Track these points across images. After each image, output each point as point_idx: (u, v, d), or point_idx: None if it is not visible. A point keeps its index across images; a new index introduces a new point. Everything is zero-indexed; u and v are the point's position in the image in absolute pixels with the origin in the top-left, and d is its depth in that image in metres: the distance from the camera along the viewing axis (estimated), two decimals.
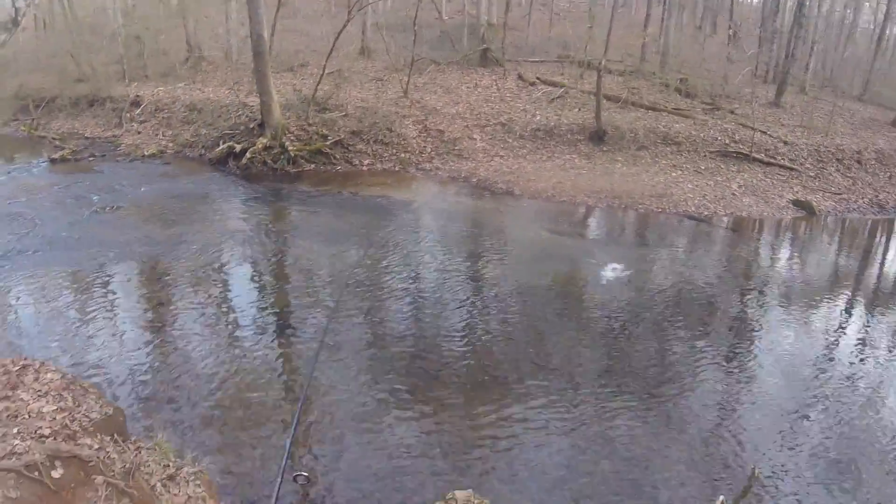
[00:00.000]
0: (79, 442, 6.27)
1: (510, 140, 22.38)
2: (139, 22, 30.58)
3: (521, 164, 20.82)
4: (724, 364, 10.40)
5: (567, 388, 9.53)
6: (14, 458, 5.78)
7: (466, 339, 10.89)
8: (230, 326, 11.18)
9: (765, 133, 22.87)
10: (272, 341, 10.71)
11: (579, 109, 24.27)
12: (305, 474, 7.28)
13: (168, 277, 12.95)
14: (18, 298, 11.97)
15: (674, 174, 20.31)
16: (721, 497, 6.15)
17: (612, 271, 13.42)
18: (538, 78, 27.61)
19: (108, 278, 12.98)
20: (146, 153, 21.72)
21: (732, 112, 25.37)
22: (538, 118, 23.40)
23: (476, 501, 6.77)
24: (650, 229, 16.63)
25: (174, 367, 9.90)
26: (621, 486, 7.66)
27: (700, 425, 8.81)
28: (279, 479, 3.95)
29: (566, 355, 10.42)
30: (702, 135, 22.49)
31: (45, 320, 11.21)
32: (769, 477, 7.78)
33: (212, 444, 8.16)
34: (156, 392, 9.27)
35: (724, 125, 23.52)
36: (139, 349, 10.39)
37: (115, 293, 12.44)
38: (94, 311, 11.58)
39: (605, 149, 21.84)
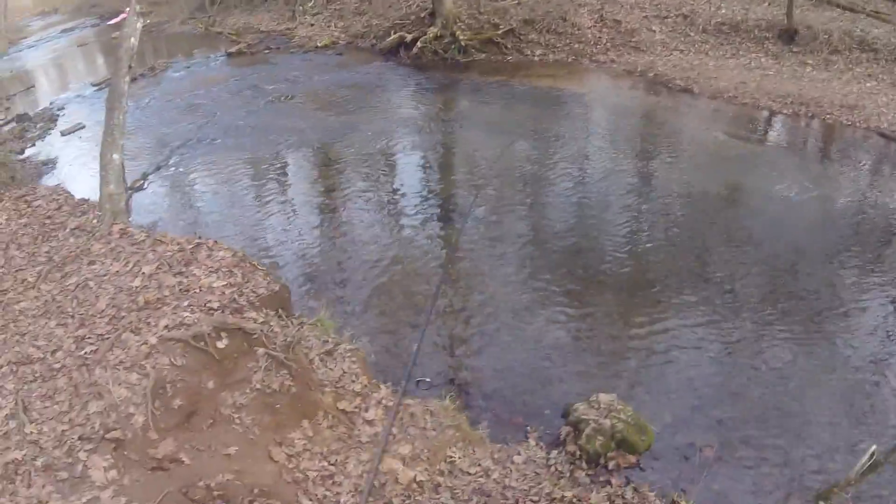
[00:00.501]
0: (245, 315, 6.50)
1: (692, 34, 20.68)
2: None
3: (702, 61, 19.28)
4: None
5: (727, 305, 8.82)
6: (183, 329, 6.06)
7: (628, 242, 10.34)
8: (395, 214, 11.29)
9: None
10: (434, 230, 10.75)
11: (769, 4, 22.14)
12: (428, 379, 7.46)
13: (339, 164, 13.22)
14: (197, 182, 12.66)
15: (868, 84, 18.12)
16: (874, 447, 5.71)
17: (790, 185, 12.41)
18: None
19: (281, 164, 13.43)
20: (319, 45, 21.92)
21: None
22: (723, 11, 21.38)
23: (619, 406, 6.60)
24: (837, 143, 15.09)
25: (340, 250, 10.18)
26: (768, 415, 7.08)
27: (861, 368, 7.84)
28: (403, 383, 4.19)
29: (730, 270, 9.61)
30: None
31: (221, 203, 11.82)
32: None
33: (370, 325, 8.33)
34: (321, 272, 9.57)
35: None
36: (308, 231, 10.77)
37: (287, 178, 12.93)
38: (266, 195, 12.06)
39: (794, 49, 19.75)
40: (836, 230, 10.98)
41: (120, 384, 5.56)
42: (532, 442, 6.62)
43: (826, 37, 19.81)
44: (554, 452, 6.44)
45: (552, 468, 6.29)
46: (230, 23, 25.03)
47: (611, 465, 6.29)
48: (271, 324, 6.64)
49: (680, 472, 6.42)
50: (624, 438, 6.38)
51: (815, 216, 11.31)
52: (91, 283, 7.35)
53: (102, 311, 6.75)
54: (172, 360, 5.78)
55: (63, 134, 15.38)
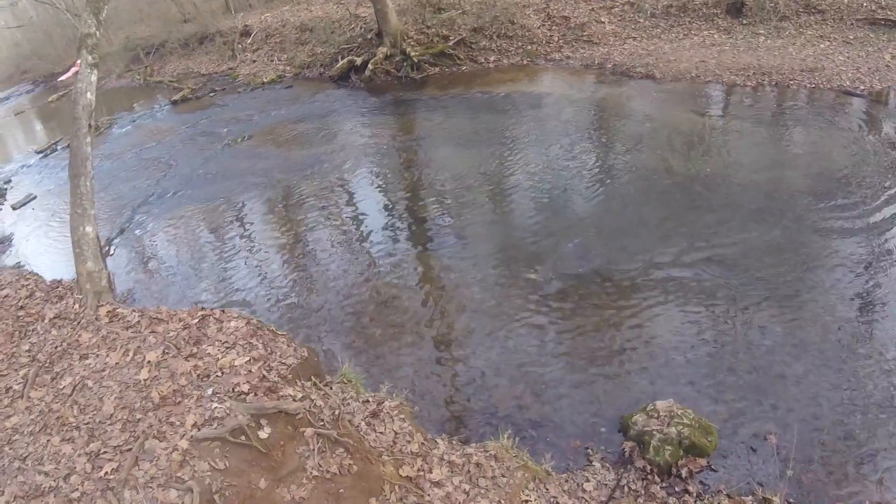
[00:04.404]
0: (281, 394, 5.73)
1: (641, 20, 20.46)
2: None
3: (657, 45, 19.07)
4: None
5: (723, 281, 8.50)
6: (216, 424, 5.28)
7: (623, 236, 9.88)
8: (379, 247, 10.52)
9: None
10: (417, 257, 10.05)
11: None
12: None
13: (311, 202, 12.39)
14: (169, 242, 11.73)
15: (822, 46, 18.16)
16: None
17: (771, 153, 12.18)
18: None
19: (253, 210, 12.63)
20: (265, 80, 21.33)
21: None
22: None
23: (679, 411, 6.24)
24: (807, 106, 15.04)
25: (337, 294, 9.22)
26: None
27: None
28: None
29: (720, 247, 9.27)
30: (846, 1, 20.17)
31: (201, 262, 10.88)
32: None
33: (397, 372, 7.41)
34: (326, 322, 8.56)
35: None
36: (297, 279, 9.87)
37: (262, 225, 12.06)
38: (245, 246, 11.24)
39: (744, 22, 19.72)
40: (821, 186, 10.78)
41: None
42: (597, 465, 6.21)
43: (773, 5, 19.79)
44: (622, 471, 6.06)
45: (625, 488, 5.90)
46: (168, 70, 24.24)
47: (683, 472, 5.97)
48: (312, 397, 5.89)
49: (751, 466, 6.14)
50: (692, 443, 6.07)
51: (801, 178, 11.17)
52: (90, 383, 6.47)
53: (111, 415, 5.89)
54: (213, 463, 5.02)
55: (14, 208, 14.48)
